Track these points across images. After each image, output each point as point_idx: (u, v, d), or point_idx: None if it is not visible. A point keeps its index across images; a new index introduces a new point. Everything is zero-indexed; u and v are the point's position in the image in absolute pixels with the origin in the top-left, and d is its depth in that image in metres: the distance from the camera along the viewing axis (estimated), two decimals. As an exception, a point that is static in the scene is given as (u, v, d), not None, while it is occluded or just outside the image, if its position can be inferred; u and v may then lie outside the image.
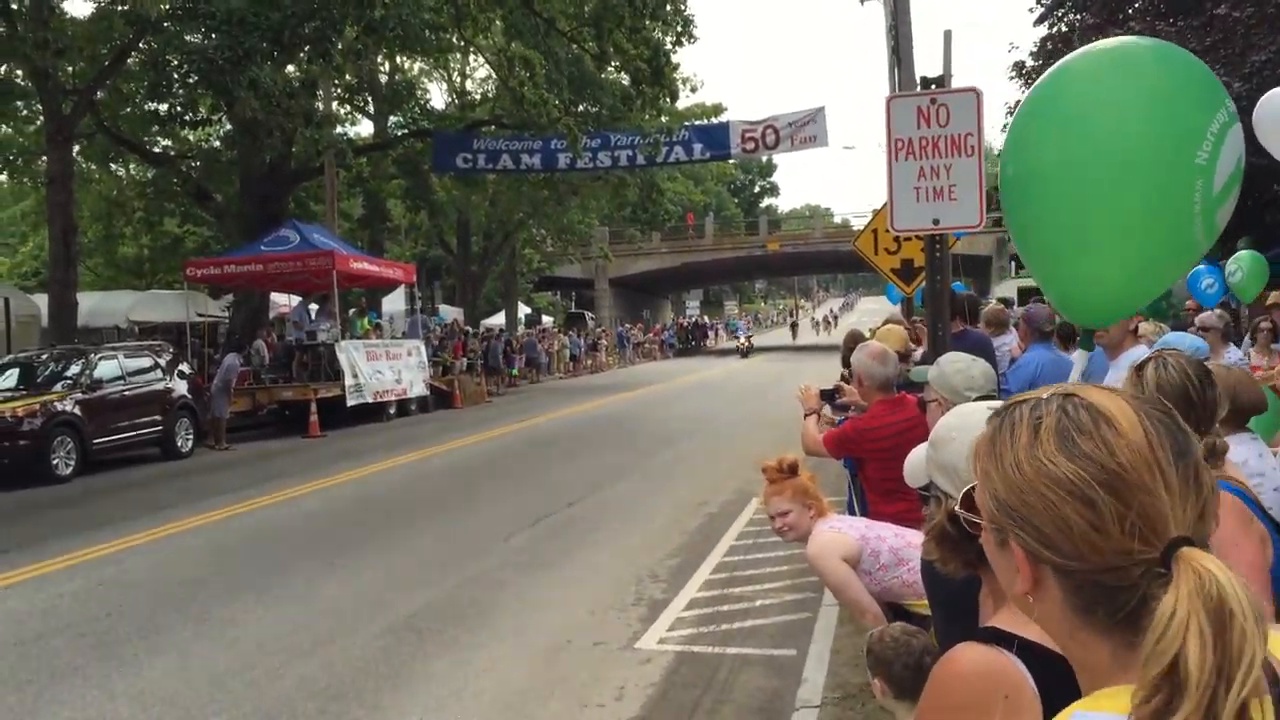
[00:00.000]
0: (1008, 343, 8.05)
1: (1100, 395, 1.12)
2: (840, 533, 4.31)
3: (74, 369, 16.92)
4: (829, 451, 5.35)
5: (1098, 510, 1.05)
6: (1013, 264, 51.64)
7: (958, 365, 3.80)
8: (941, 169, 4.99)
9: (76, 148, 25.26)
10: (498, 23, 27.58)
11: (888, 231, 10.40)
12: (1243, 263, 13.39)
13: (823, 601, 7.39)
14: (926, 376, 3.90)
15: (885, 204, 11.43)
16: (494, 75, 33.07)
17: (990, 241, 50.46)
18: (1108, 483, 1.05)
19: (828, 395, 6.23)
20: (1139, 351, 4.31)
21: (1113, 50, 3.31)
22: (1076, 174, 3.15)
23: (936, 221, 5.18)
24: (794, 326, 76.47)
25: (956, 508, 1.29)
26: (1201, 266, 13.26)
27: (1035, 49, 23.64)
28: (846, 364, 6.65)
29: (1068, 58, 3.40)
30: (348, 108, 36.01)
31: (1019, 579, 1.14)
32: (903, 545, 4.27)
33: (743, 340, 60.40)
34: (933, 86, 5.19)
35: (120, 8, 21.80)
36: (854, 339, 7.16)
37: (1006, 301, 21.67)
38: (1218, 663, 0.92)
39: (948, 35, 17.24)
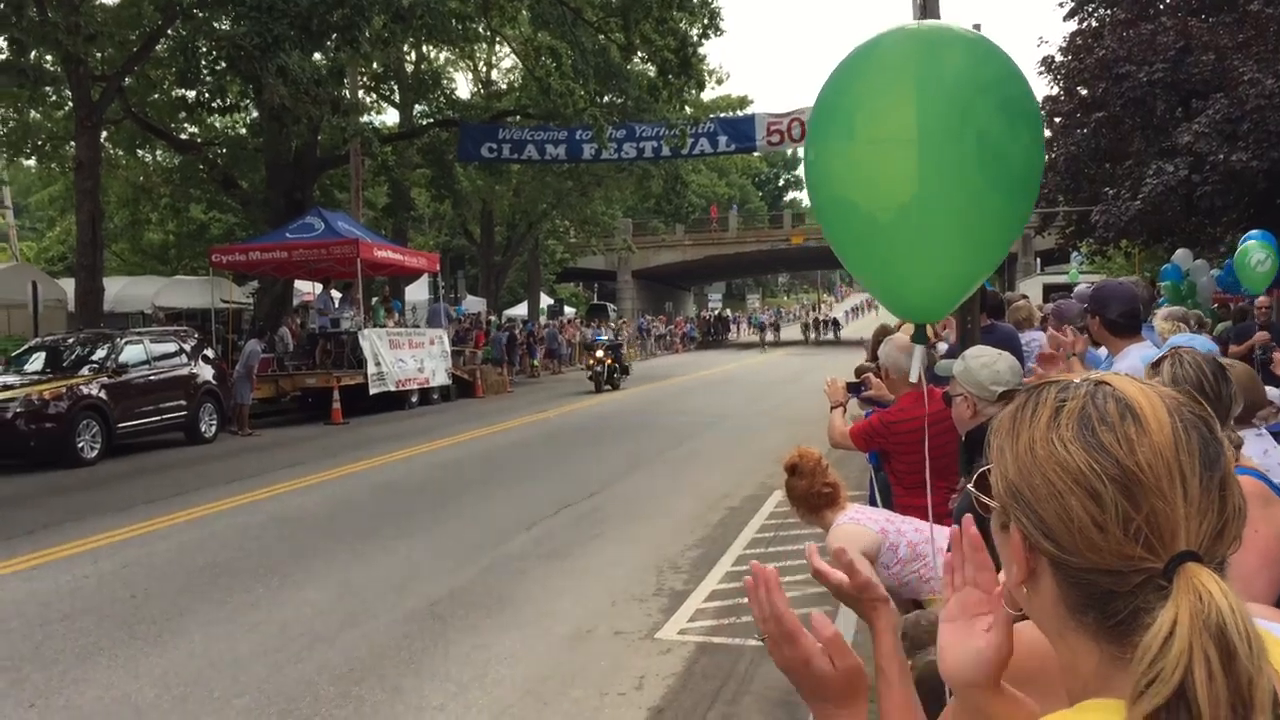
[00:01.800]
0: (1037, 339, 7.98)
1: (1134, 388, 1.06)
2: (860, 525, 4.28)
3: (100, 353, 17.03)
4: (856, 445, 5.32)
5: (1103, 506, 1.00)
6: (1037, 261, 51.34)
7: (983, 359, 3.77)
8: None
9: (104, 134, 25.43)
10: (524, 12, 27.60)
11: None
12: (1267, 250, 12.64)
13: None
14: (951, 370, 3.85)
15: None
16: (520, 65, 33.13)
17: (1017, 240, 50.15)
18: (1120, 480, 1.00)
19: (854, 388, 6.20)
20: (1147, 351, 4.27)
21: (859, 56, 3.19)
22: (853, 184, 3.07)
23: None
24: (805, 328, 65.02)
25: (969, 485, 1.23)
26: (1253, 241, 12.47)
27: (1065, 44, 23.46)
28: (875, 356, 6.62)
29: (826, 82, 3.27)
30: (374, 96, 36.13)
31: (1015, 568, 1.09)
32: (921, 540, 4.24)
33: (767, 335, 59.94)
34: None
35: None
36: (883, 331, 7.12)
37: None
38: (1231, 700, 0.87)
39: (977, 28, 17.24)
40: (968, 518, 1.30)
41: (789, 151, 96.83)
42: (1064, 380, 1.12)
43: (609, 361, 28.49)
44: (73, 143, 24.64)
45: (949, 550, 1.32)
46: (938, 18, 14.33)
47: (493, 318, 38.39)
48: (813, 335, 61.74)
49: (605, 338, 32.03)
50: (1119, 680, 0.98)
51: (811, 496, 4.37)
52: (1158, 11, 20.99)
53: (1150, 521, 0.99)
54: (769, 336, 60.72)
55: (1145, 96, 18.46)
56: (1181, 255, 16.05)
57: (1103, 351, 5.20)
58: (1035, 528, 1.05)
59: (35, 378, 16.23)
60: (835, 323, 72.15)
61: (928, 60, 3.02)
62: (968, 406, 3.67)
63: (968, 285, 3.35)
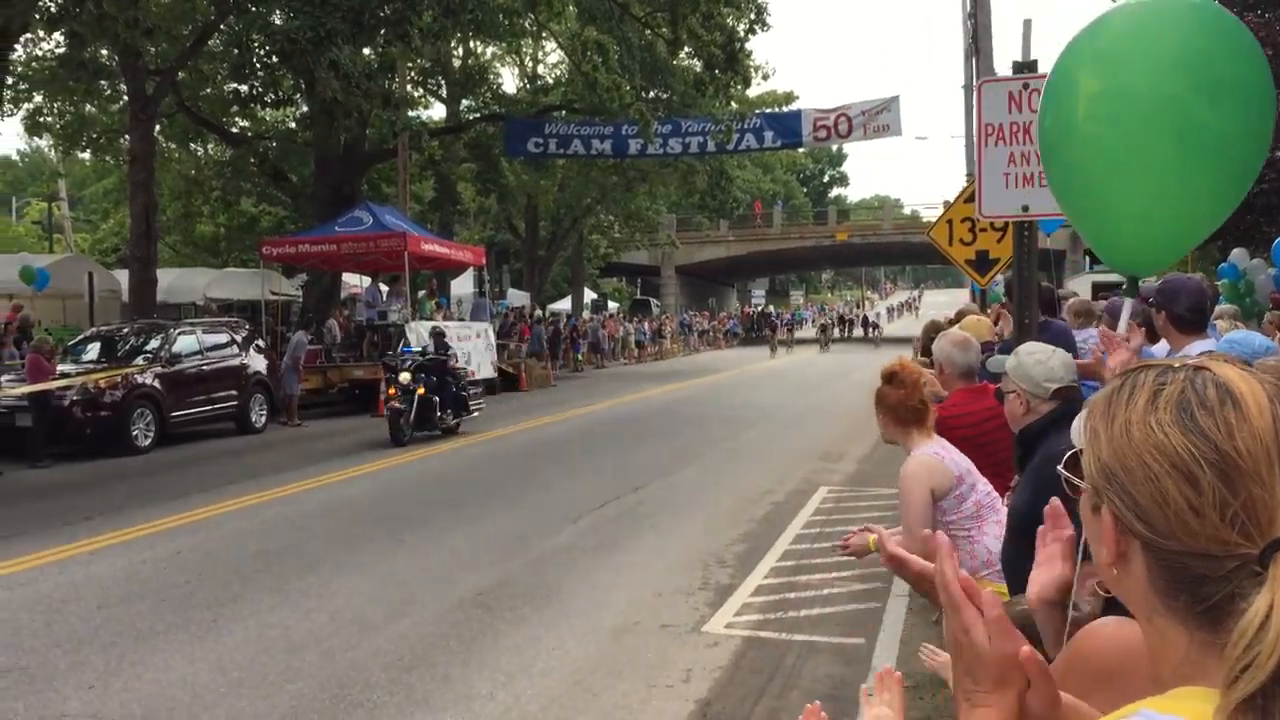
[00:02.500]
0: (1093, 336, 7.90)
1: (1234, 374, 1.06)
2: (942, 462, 4.22)
3: (154, 343, 17.31)
4: (910, 439, 5.29)
5: (1200, 491, 0.99)
6: (1087, 259, 50.70)
7: (1036, 356, 3.73)
8: (1032, 155, 4.90)
9: (158, 127, 25.79)
10: (571, 7, 27.68)
11: (964, 222, 10.29)
12: None
13: (892, 591, 7.36)
14: (1004, 367, 3.82)
15: (960, 194, 11.31)
16: (566, 60, 33.18)
17: (1065, 236, 49.52)
18: (1218, 465, 0.99)
19: None
20: (1209, 348, 4.20)
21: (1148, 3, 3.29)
22: (1114, 113, 3.11)
23: (1026, 208, 5.09)
24: (824, 329, 54.42)
25: (1060, 467, 1.24)
26: None
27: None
28: (926, 353, 6.59)
29: (1108, 10, 3.37)
30: (421, 91, 36.36)
31: (1105, 549, 1.10)
32: (990, 504, 4.22)
33: (818, 334, 55.33)
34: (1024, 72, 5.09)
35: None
36: (933, 328, 7.09)
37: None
38: None
39: (1027, 24, 16.98)
40: (1055, 499, 1.36)
41: (834, 148, 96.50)
42: (1161, 365, 1.12)
43: (419, 392, 16.38)
44: (127, 136, 25.04)
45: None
46: (988, 13, 14.19)
47: (537, 312, 38.53)
48: (837, 333, 58.09)
49: (416, 349, 18.18)
50: (1211, 666, 0.98)
51: (903, 409, 4.29)
52: (1214, 6, 20.63)
53: (1248, 507, 0.98)
54: (781, 335, 52.97)
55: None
56: (1239, 254, 15.81)
57: (1158, 348, 5.14)
58: (1128, 510, 1.05)
59: (91, 367, 16.53)
60: (870, 322, 66.92)
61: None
62: (1021, 403, 3.63)
63: (1186, 242, 3.58)
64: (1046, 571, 1.75)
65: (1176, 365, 1.10)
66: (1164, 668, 1.06)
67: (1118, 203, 3.29)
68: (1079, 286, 31.52)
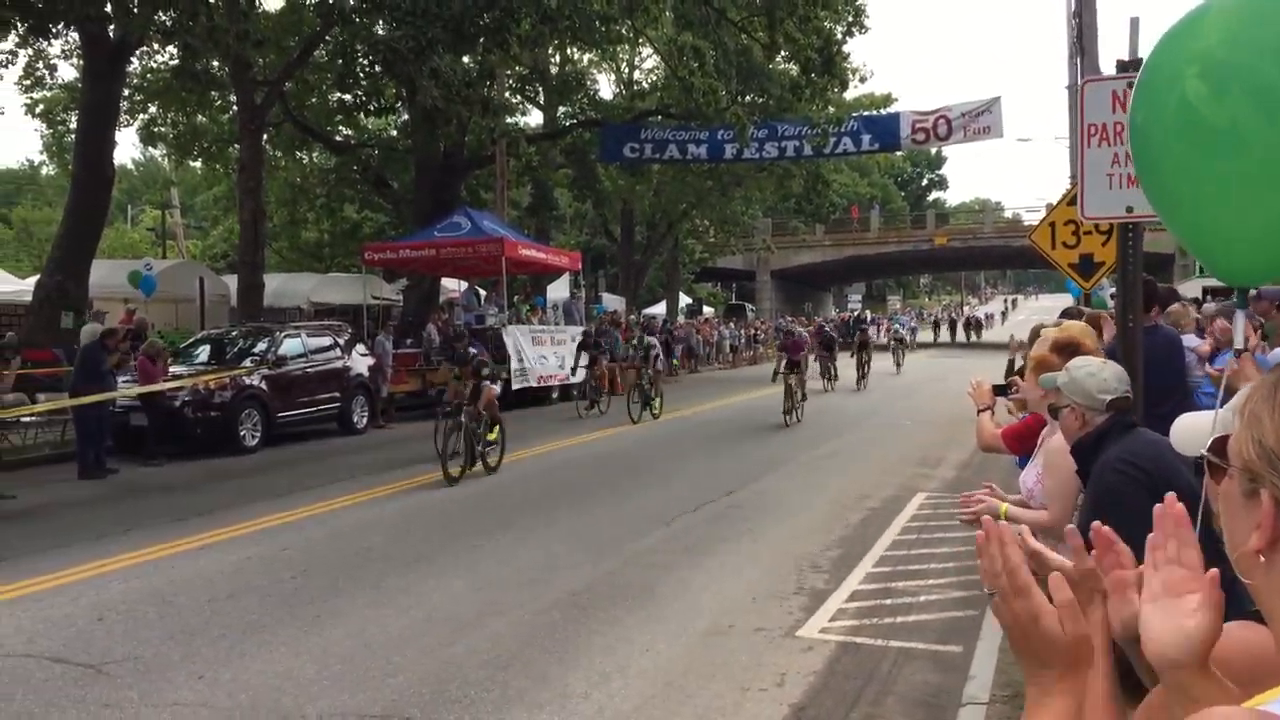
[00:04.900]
0: (1196, 343, 7.69)
1: None
2: None
3: (261, 346, 17.82)
4: (1009, 447, 5.21)
5: None
6: (1197, 263, 49.16)
7: (1088, 369, 3.63)
8: (1138, 156, 4.78)
9: (265, 136, 26.57)
10: (668, 13, 27.74)
11: (1067, 225, 10.05)
12: None
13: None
14: (1055, 383, 3.69)
15: (1064, 196, 11.06)
16: (663, 65, 33.30)
17: (1172, 239, 48.16)
18: None
19: (1000, 390, 6.06)
20: None
21: None
22: (1218, 112, 2.91)
23: (1130, 209, 4.98)
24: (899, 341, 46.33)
25: (1204, 450, 1.21)
26: None
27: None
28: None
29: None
30: (519, 98, 36.82)
31: (1257, 534, 1.07)
32: None
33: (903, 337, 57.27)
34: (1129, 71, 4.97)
35: (311, 0, 22.81)
36: (1035, 334, 6.94)
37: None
38: None
39: (1134, 22, 16.53)
40: (1170, 495, 1.30)
41: (934, 150, 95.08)
42: None
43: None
44: (236, 145, 25.85)
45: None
46: (1093, 12, 13.85)
47: (632, 316, 38.70)
48: (946, 336, 59.72)
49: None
50: None
51: None
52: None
53: None
54: (944, 334, 60.49)
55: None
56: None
57: (1275, 355, 5.00)
58: None
59: (201, 369, 17.08)
60: (976, 322, 70.30)
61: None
62: (1076, 417, 3.54)
63: None
64: (1125, 606, 1.44)
65: None
66: None
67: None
68: (1190, 290, 30.58)
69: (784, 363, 21.61)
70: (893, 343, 38.69)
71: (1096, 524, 1.44)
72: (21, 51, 23.97)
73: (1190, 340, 7.91)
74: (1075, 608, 1.30)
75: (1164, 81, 3.02)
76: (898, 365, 35.97)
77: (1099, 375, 3.51)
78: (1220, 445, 1.15)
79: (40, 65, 26.07)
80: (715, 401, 25.42)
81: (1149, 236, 6.17)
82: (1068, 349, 4.08)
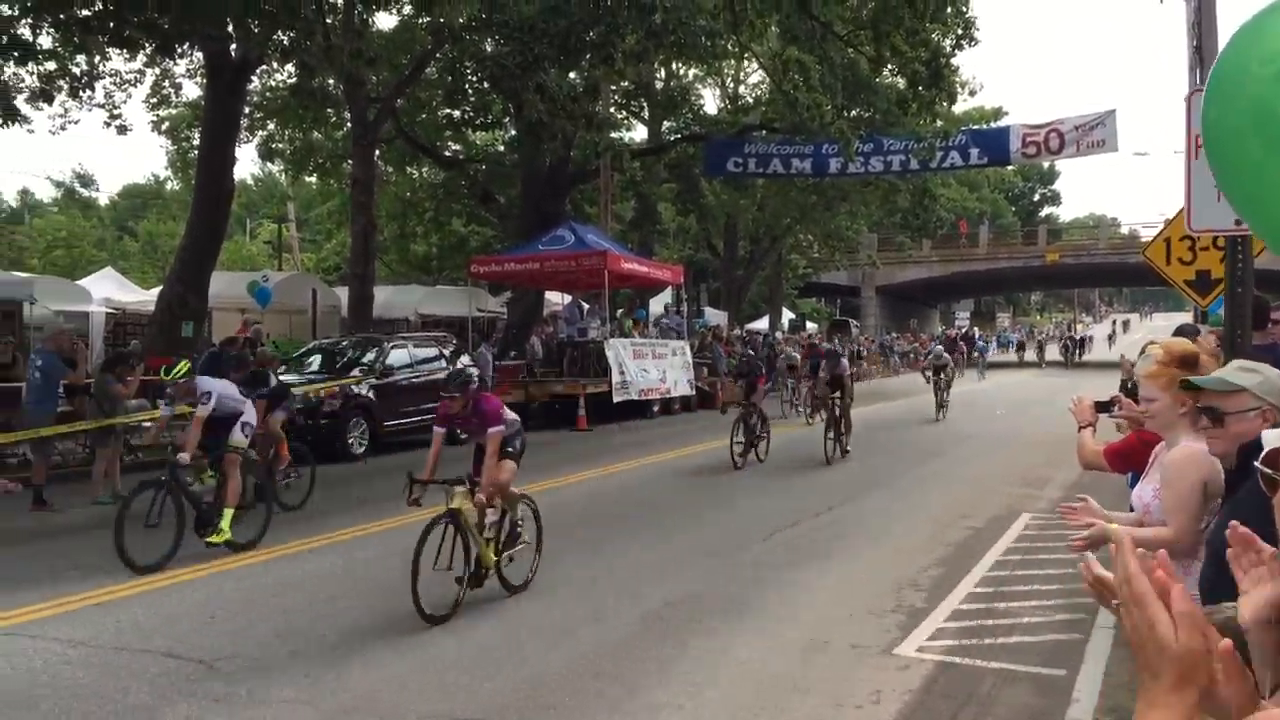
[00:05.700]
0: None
1: None
2: (1214, 463, 3.74)
3: (369, 356, 18.25)
4: (1111, 465, 5.05)
5: None
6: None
7: (1273, 371, 3.45)
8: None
9: (377, 152, 27.28)
10: (773, 28, 27.66)
11: (1182, 240, 9.74)
12: None
13: (1095, 624, 7.02)
14: (1232, 385, 3.44)
15: (1180, 212, 10.71)
16: (767, 80, 33.23)
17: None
18: None
19: (1104, 407, 5.87)
20: None
21: None
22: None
23: (1239, 222, 4.81)
24: (1021, 347, 64.13)
25: (1258, 463, 1.21)
26: None
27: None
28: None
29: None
30: (624, 113, 37.12)
31: None
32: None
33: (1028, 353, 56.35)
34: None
35: (422, 19, 23.37)
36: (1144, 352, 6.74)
37: None
38: None
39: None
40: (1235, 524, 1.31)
41: (1046, 165, 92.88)
42: None
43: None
44: (350, 160, 26.56)
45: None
46: (1213, 20, 13.42)
47: (735, 331, 38.62)
48: (1059, 355, 57.83)
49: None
50: None
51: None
52: None
53: None
54: (1030, 355, 58.59)
55: None
56: None
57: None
58: None
59: (313, 377, 17.55)
60: (1076, 344, 64.09)
61: None
62: (1264, 419, 3.31)
63: None
64: (1260, 590, 1.65)
65: None
66: None
67: None
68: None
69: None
70: (928, 374, 27.90)
71: (1234, 523, 1.55)
72: (149, 71, 25.06)
73: None
74: (1193, 620, 1.30)
75: (1236, 82, 2.89)
76: (939, 408, 25.49)
77: None
78: (1273, 458, 1.13)
79: (166, 84, 27.19)
80: (816, 419, 25.11)
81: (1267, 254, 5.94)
82: (1189, 362, 3.95)
